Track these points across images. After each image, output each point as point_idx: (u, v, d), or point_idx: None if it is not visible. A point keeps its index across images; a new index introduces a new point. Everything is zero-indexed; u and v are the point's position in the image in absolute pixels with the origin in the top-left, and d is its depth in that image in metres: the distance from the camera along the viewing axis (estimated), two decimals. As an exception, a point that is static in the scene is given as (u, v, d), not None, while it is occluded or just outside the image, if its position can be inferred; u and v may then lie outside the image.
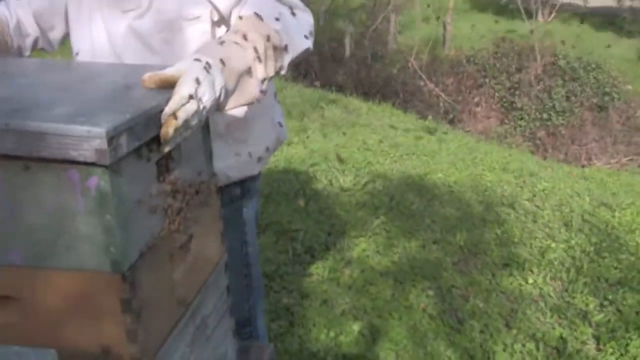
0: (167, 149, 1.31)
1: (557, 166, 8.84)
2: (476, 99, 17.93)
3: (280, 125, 2.15)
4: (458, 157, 7.48)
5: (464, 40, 22.14)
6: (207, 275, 1.62)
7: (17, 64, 1.74)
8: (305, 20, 1.77)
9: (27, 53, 2.05)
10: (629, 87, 18.56)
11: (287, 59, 1.66)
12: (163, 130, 1.28)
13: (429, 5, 21.78)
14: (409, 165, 6.89)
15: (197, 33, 1.83)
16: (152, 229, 1.34)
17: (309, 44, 1.75)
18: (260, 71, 1.54)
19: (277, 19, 1.63)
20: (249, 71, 1.52)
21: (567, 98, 17.10)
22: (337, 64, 17.64)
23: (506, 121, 17.21)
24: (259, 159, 2.08)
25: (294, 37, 1.68)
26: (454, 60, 19.68)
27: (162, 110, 1.28)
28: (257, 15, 1.60)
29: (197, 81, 1.32)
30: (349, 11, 20.84)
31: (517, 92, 17.49)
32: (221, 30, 1.87)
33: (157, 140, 1.30)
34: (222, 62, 1.43)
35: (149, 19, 1.84)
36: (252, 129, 2.01)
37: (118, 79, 1.47)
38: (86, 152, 1.13)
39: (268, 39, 1.56)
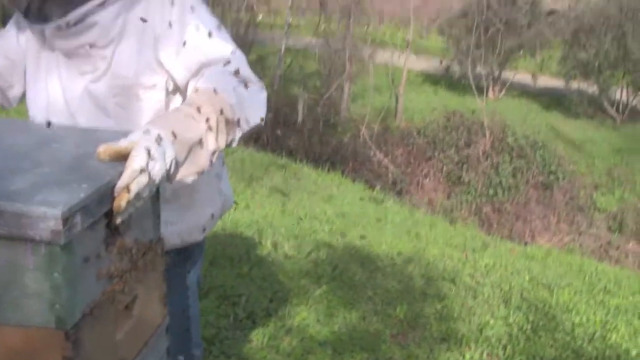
0: (119, 220, 1.39)
1: (500, 242, 9.04)
2: (424, 171, 18.23)
3: (226, 193, 2.23)
4: (403, 230, 7.62)
5: (416, 113, 22.59)
6: (148, 337, 1.67)
7: None
8: (259, 95, 1.83)
9: None
10: (574, 167, 19.07)
11: (238, 132, 1.73)
12: (116, 204, 1.35)
13: (387, 75, 22.21)
14: (354, 235, 7.00)
15: (152, 100, 1.91)
16: (98, 288, 1.40)
17: (261, 118, 1.81)
18: (211, 143, 1.61)
19: (231, 93, 1.70)
20: (200, 142, 1.58)
21: (514, 175, 17.50)
22: (290, 129, 17.84)
23: (453, 195, 17.51)
24: (204, 226, 2.14)
25: (247, 111, 1.75)
26: (405, 131, 20.04)
27: (115, 185, 1.36)
28: (212, 89, 1.67)
29: (149, 154, 1.39)
30: (303, 77, 21.16)
31: (465, 167, 17.84)
32: (176, 99, 1.96)
33: (109, 212, 1.37)
34: (174, 134, 1.50)
35: (104, 82, 1.92)
36: (198, 195, 2.08)
37: (72, 147, 1.54)
38: (42, 231, 1.19)
39: (221, 112, 1.63)
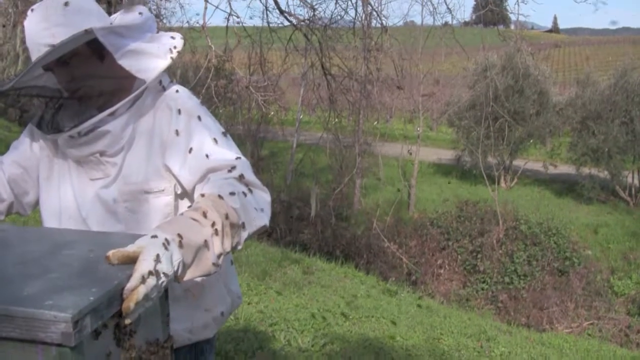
0: (128, 322, 1.44)
1: (516, 330, 8.97)
2: (439, 262, 18.16)
3: (235, 291, 2.27)
4: (417, 321, 7.60)
5: (428, 203, 22.66)
6: None
7: None
8: (263, 198, 1.89)
9: (2, 217, 2.18)
10: (589, 252, 18.97)
11: (244, 235, 1.76)
12: (125, 305, 1.41)
13: (398, 168, 22.37)
14: (368, 328, 6.99)
15: (160, 204, 1.99)
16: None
17: (265, 221, 1.85)
18: (217, 247, 1.66)
19: (235, 198, 1.76)
20: (206, 245, 1.63)
21: (529, 262, 17.40)
22: (303, 223, 17.91)
23: (468, 284, 17.39)
24: (214, 324, 2.18)
25: (251, 215, 1.80)
26: (418, 222, 20.06)
27: (124, 287, 1.41)
28: (217, 194, 1.73)
29: (157, 258, 1.45)
30: (315, 171, 21.36)
31: (479, 256, 17.76)
32: (184, 203, 2.03)
33: (118, 313, 1.42)
34: (180, 238, 1.56)
35: (115, 188, 2.00)
36: (207, 294, 2.12)
37: (84, 252, 1.59)
38: (53, 334, 1.23)
39: (227, 217, 1.68)
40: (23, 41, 11.23)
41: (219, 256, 1.67)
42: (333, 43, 13.08)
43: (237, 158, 1.94)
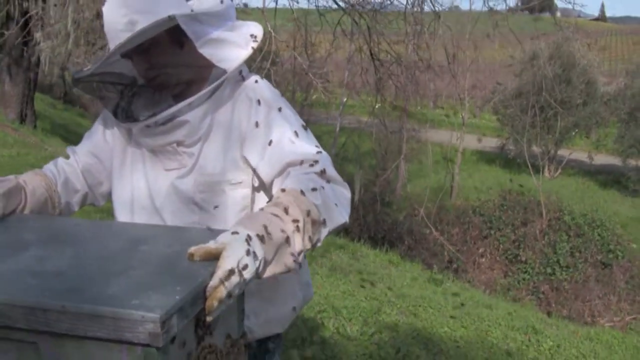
0: (210, 319, 1.39)
1: (562, 324, 8.82)
2: (481, 250, 18.02)
3: (308, 285, 2.21)
4: (464, 312, 7.50)
5: (471, 191, 22.48)
6: None
7: (63, 226, 1.82)
8: (343, 195, 1.82)
9: (77, 208, 2.14)
10: (634, 245, 18.67)
11: (324, 232, 1.70)
12: (208, 303, 1.36)
13: (442, 154, 22.21)
14: (415, 317, 6.91)
15: (238, 197, 1.93)
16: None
17: (345, 218, 1.79)
18: (298, 244, 1.60)
19: (317, 194, 1.70)
20: (287, 242, 1.58)
21: (572, 254, 17.18)
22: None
23: (510, 274, 17.22)
24: (285, 319, 2.13)
25: (332, 212, 1.73)
26: (460, 210, 19.92)
27: (207, 285, 1.36)
28: (299, 190, 1.67)
29: (239, 255, 1.41)
30: (358, 156, 21.28)
31: (521, 246, 17.59)
32: (260, 195, 1.97)
33: (201, 310, 1.38)
34: (262, 235, 1.50)
35: (191, 179, 1.94)
36: (281, 289, 2.07)
37: (162, 247, 1.55)
38: (140, 334, 1.20)
39: (308, 214, 1.62)
40: (74, 21, 11.30)
41: (299, 253, 1.61)
42: (381, 28, 12.96)
43: (319, 152, 1.87)
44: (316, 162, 1.82)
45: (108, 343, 1.23)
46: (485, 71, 30.51)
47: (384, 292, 7.62)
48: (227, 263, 1.39)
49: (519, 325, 7.42)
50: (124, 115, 1.99)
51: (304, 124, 1.98)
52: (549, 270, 16.93)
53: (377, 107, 16.20)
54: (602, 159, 26.67)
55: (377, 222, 17.65)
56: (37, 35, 12.03)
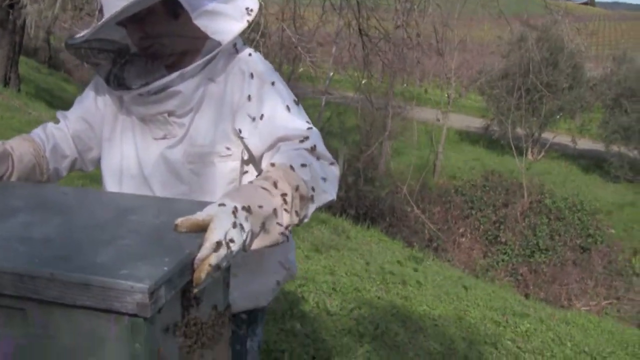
0: (196, 291, 1.40)
1: (539, 306, 8.90)
2: (461, 230, 18.15)
3: (292, 260, 2.22)
4: (443, 290, 7.55)
5: (454, 171, 22.55)
6: (213, 404, 1.67)
7: (51, 194, 1.82)
8: (332, 172, 1.84)
9: (64, 174, 2.14)
10: (612, 231, 18.85)
11: (312, 208, 1.73)
12: (196, 275, 1.37)
13: (426, 133, 22.22)
14: (395, 294, 6.94)
15: (227, 169, 1.94)
16: (171, 357, 1.40)
17: (333, 195, 1.80)
18: (285, 218, 1.61)
19: (306, 170, 1.71)
20: (275, 214, 1.59)
21: (551, 237, 17.34)
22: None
23: (489, 254, 17.37)
24: (269, 293, 2.14)
25: (321, 188, 1.75)
26: (443, 189, 20.02)
27: (195, 257, 1.37)
28: (288, 165, 1.68)
29: (226, 227, 1.41)
30: (343, 131, 21.27)
31: (502, 227, 17.73)
32: (249, 169, 1.98)
33: (189, 282, 1.38)
34: (249, 207, 1.51)
35: (180, 149, 1.94)
36: (265, 263, 2.09)
37: (150, 218, 1.56)
38: (128, 304, 1.20)
39: (297, 189, 1.64)
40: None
41: (287, 227, 1.62)
42: (371, 3, 12.92)
43: (309, 128, 1.88)
44: (307, 138, 1.83)
45: (96, 312, 1.24)
46: (472, 51, 30.45)
47: (364, 268, 7.65)
48: (214, 235, 1.38)
49: (497, 306, 7.48)
50: (116, 82, 1.98)
51: (296, 99, 1.98)
52: (528, 252, 17.09)
53: (363, 82, 16.19)
54: (585, 143, 26.78)
55: (359, 198, 17.68)
56: (24, -3, 11.89)
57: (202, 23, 1.86)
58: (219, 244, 1.38)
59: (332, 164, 1.85)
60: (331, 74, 22.43)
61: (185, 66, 1.88)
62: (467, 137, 29.06)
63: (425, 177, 20.45)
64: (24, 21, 12.89)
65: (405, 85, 24.44)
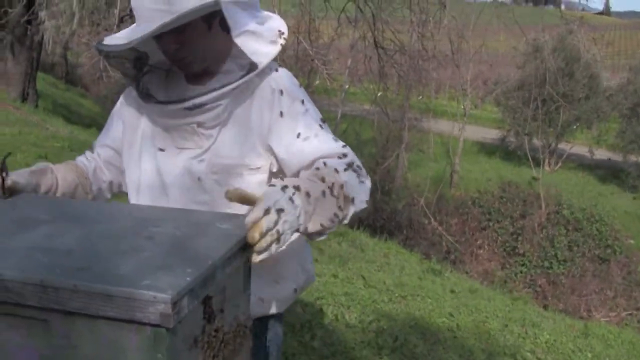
0: (258, 259, 1.48)
1: (558, 318, 8.85)
2: (479, 242, 18.06)
3: (310, 268, 2.23)
4: (461, 302, 7.52)
5: (471, 182, 22.48)
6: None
7: (72, 206, 1.82)
8: (367, 185, 1.88)
9: (109, 195, 2.23)
10: (632, 241, 18.71)
11: (351, 210, 1.77)
12: (250, 235, 1.44)
13: (442, 144, 22.18)
14: (413, 307, 6.92)
15: (254, 181, 1.95)
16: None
17: (367, 205, 1.86)
18: (333, 204, 1.69)
19: (349, 175, 1.78)
20: (324, 196, 1.66)
21: (569, 248, 17.22)
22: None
23: (507, 266, 17.26)
24: (286, 299, 2.16)
25: (360, 194, 1.81)
26: (460, 201, 19.94)
27: (217, 265, 1.38)
28: (333, 168, 1.75)
29: (275, 198, 1.49)
30: (359, 144, 21.26)
31: (519, 238, 17.63)
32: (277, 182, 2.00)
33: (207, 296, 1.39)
34: (299, 186, 1.58)
35: (205, 159, 1.96)
36: (281, 268, 2.09)
37: (172, 229, 1.55)
38: (151, 314, 1.21)
39: (342, 187, 1.71)
40: (79, 0, 11.26)
41: (335, 214, 1.69)
42: (386, 16, 12.94)
43: (344, 145, 1.92)
44: (345, 155, 1.87)
45: (118, 322, 1.24)
46: (488, 62, 30.42)
47: (383, 280, 7.63)
48: (262, 204, 1.46)
49: (516, 318, 7.44)
50: (144, 93, 1.99)
51: (322, 116, 2.01)
52: (546, 263, 16.98)
53: (379, 95, 16.22)
54: (602, 153, 26.65)
55: (376, 211, 17.64)
56: (42, 14, 12.00)
57: (241, 42, 1.89)
58: (267, 210, 1.45)
59: (366, 178, 1.90)
60: (347, 86, 22.45)
61: (208, 80, 1.93)
62: (484, 148, 29.00)
63: (442, 189, 20.41)
64: (42, 37, 13.02)
65: (420, 97, 24.38)
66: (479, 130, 29.34)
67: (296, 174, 1.90)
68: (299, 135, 1.92)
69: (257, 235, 1.43)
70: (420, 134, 22.31)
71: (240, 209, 1.85)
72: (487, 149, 28.84)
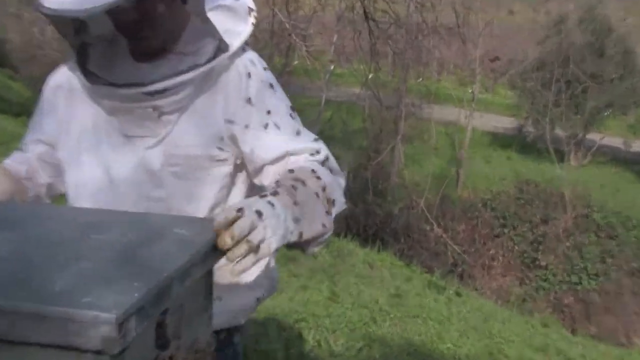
0: (236, 278, 1.52)
1: (589, 344, 8.90)
2: (491, 252, 18.10)
3: (274, 277, 2.27)
4: (470, 325, 7.54)
5: (481, 181, 22.55)
6: None
7: (2, 209, 1.81)
8: (342, 184, 1.95)
9: (48, 201, 2.22)
10: (679, 251, 18.77)
11: (333, 213, 1.82)
12: (219, 241, 1.44)
13: (446, 135, 22.19)
14: (413, 330, 6.94)
15: (219, 174, 1.99)
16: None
17: (345, 206, 1.91)
18: (321, 208, 1.74)
19: (326, 176, 1.83)
20: (309, 199, 1.71)
21: (602, 259, 17.25)
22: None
23: (527, 281, 17.31)
24: (248, 310, 2.20)
25: (339, 197, 1.86)
26: (468, 203, 19.98)
27: (172, 278, 1.36)
28: (310, 169, 1.80)
29: (250, 202, 1.53)
30: (347, 135, 21.26)
31: (541, 248, 17.67)
32: (241, 175, 2.04)
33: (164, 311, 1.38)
34: (276, 192, 1.62)
35: (161, 150, 1.97)
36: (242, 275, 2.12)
37: (116, 235, 1.54)
38: (92, 339, 1.19)
39: (323, 189, 1.77)
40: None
41: (326, 218, 1.74)
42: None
43: (316, 139, 1.98)
44: (318, 151, 1.93)
45: (53, 349, 1.22)
46: (501, 37, 30.49)
47: (375, 298, 7.65)
48: (235, 205, 1.51)
49: (538, 344, 7.47)
50: (88, 72, 1.97)
51: (292, 104, 2.05)
52: (574, 278, 17.03)
53: (370, 77, 16.23)
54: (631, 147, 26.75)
55: (367, 215, 17.67)
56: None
57: (215, 18, 1.92)
58: (241, 210, 1.47)
59: (340, 176, 1.96)
60: (332, 67, 22.47)
61: (161, 59, 1.93)
62: (496, 140, 29.08)
63: (446, 188, 20.46)
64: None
65: (420, 79, 24.41)
66: (491, 118, 29.40)
67: (260, 170, 1.95)
68: (266, 125, 1.95)
69: (229, 240, 1.43)
70: (420, 123, 22.32)
71: (204, 209, 1.87)
72: (501, 141, 28.90)
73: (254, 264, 1.48)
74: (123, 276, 1.32)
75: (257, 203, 1.51)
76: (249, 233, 1.46)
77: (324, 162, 1.90)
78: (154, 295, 1.30)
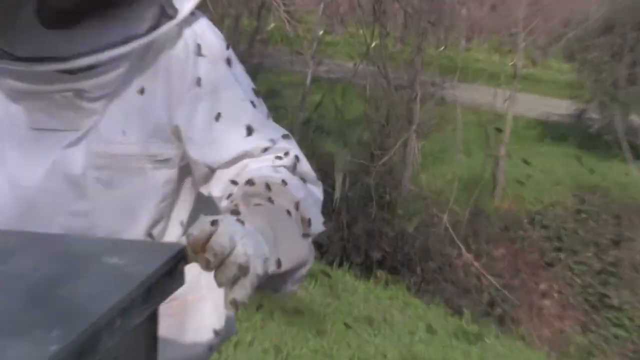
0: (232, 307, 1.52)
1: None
2: (542, 286, 18.13)
3: (230, 317, 2.35)
4: (515, 387, 7.58)
5: (527, 187, 22.58)
6: None
7: None
8: (318, 196, 2.02)
9: None
10: None
11: (311, 236, 1.85)
12: (203, 257, 1.49)
13: (478, 125, 22.25)
14: (434, 394, 6.97)
15: (160, 180, 2.03)
16: None
17: (324, 228, 1.95)
18: (294, 229, 1.78)
19: (299, 189, 1.88)
20: (280, 218, 1.74)
21: None
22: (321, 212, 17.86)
23: (592, 327, 17.33)
24: (209, 345, 2.28)
25: (316, 216, 1.90)
26: (510, 218, 20.01)
27: (101, 326, 1.36)
28: (282, 181, 1.83)
29: (221, 220, 1.55)
30: (342, 125, 21.21)
31: (612, 280, 17.70)
32: (187, 181, 2.09)
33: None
34: (237, 211, 1.68)
35: (84, 148, 1.99)
36: (191, 320, 2.22)
37: (25, 267, 1.55)
38: None
39: (296, 207, 1.80)
40: None
41: (303, 242, 1.80)
42: None
43: (285, 136, 2.05)
44: (287, 153, 1.99)
45: None
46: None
47: (382, 351, 7.67)
48: (203, 218, 1.55)
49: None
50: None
51: (255, 86, 2.11)
52: (661, 323, 17.06)
53: (373, 46, 16.23)
54: None
55: (370, 236, 17.65)
56: None
57: None
58: (214, 222, 1.52)
59: (316, 185, 2.05)
60: (320, 32, 22.48)
61: (86, 23, 1.92)
62: (548, 131, 29.15)
63: (479, 199, 20.46)
64: None
65: (442, 48, 24.42)
66: (540, 101, 29.46)
67: (209, 175, 2.01)
68: (218, 116, 1.99)
69: (212, 258, 1.46)
70: (442, 109, 22.33)
71: (141, 226, 1.89)
72: (554, 132, 28.94)
73: (253, 290, 1.53)
74: (35, 323, 1.33)
75: (225, 218, 1.55)
76: (230, 252, 1.49)
77: (294, 167, 1.95)
78: (77, 348, 1.30)
